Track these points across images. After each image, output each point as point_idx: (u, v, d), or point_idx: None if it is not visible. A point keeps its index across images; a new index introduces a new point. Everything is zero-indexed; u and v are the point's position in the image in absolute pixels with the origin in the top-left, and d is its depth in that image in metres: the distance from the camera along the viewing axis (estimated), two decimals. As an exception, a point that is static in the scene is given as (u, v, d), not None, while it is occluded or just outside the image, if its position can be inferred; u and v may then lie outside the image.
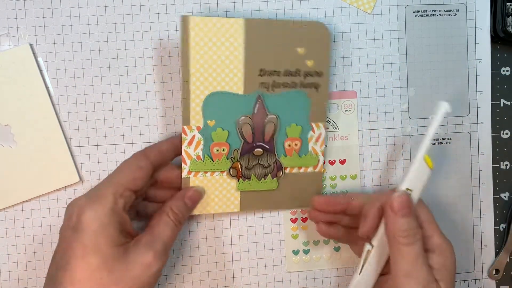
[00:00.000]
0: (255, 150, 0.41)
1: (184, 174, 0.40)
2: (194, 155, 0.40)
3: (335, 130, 0.44)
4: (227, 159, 0.41)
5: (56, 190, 0.42)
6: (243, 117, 0.40)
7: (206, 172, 0.40)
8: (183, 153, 0.40)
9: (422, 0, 0.44)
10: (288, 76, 0.40)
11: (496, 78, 0.46)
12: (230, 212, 0.43)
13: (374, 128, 0.45)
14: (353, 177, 0.44)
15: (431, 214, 0.38)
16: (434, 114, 0.37)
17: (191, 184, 0.40)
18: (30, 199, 0.42)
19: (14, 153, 0.41)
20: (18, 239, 0.42)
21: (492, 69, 0.46)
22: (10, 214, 0.42)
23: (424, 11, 0.44)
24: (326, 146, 0.43)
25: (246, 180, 0.41)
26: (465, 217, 0.46)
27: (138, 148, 0.42)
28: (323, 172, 0.43)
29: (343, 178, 0.44)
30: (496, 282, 0.47)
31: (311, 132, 0.42)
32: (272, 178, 0.41)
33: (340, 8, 0.44)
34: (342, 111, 0.44)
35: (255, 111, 0.40)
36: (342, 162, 0.44)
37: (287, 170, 0.42)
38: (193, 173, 0.40)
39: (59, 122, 0.41)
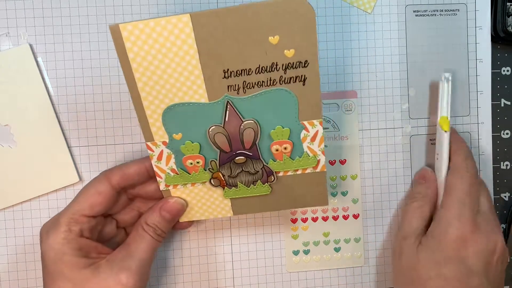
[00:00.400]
0: (236, 158, 0.36)
1: (162, 187, 0.37)
2: (167, 169, 0.36)
3: (335, 130, 0.44)
4: (205, 170, 0.36)
5: (56, 190, 0.42)
6: (213, 127, 0.35)
7: (185, 184, 0.37)
8: (154, 168, 0.36)
9: (422, 0, 0.44)
10: (262, 73, 0.33)
11: (496, 78, 0.46)
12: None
13: (374, 128, 0.44)
14: (354, 177, 0.44)
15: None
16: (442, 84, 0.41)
17: (173, 195, 0.38)
18: (30, 199, 0.41)
19: (13, 153, 0.41)
20: (17, 239, 0.42)
21: (492, 69, 0.46)
22: (10, 214, 0.42)
23: (425, 11, 0.44)
24: (326, 146, 0.41)
25: (233, 188, 0.37)
26: (465, 217, 0.46)
27: (138, 148, 0.42)
28: (325, 171, 0.37)
29: (343, 178, 0.44)
30: (496, 282, 0.47)
31: (304, 132, 0.35)
32: (263, 184, 0.37)
33: (340, 8, 0.43)
34: (342, 111, 0.44)
35: (227, 119, 0.35)
36: (343, 162, 0.44)
37: (281, 174, 0.37)
38: (171, 186, 0.37)
39: (59, 122, 0.41)
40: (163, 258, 0.43)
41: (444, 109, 0.42)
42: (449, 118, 0.41)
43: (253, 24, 0.32)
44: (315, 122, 0.35)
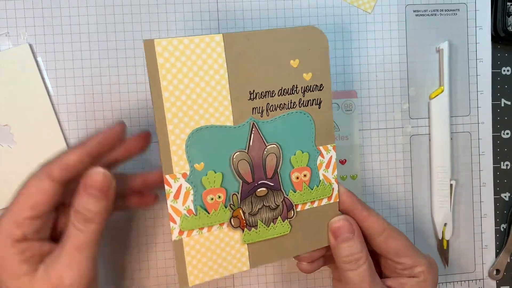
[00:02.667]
0: (258, 190, 0.34)
1: (174, 236, 0.33)
2: (184, 209, 0.33)
3: (336, 130, 0.44)
4: (225, 207, 0.34)
5: (56, 190, 0.41)
6: (237, 153, 0.33)
7: (202, 228, 0.33)
8: (169, 209, 0.33)
9: (422, 0, 0.44)
10: (284, 95, 0.34)
11: (496, 78, 0.46)
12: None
13: (374, 128, 0.44)
14: (354, 177, 0.44)
15: (409, 241, 0.37)
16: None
17: (185, 249, 0.33)
18: (30, 199, 0.41)
19: (13, 153, 0.41)
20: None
21: (492, 69, 0.46)
22: (10, 214, 0.41)
23: (425, 11, 0.44)
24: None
25: (252, 229, 0.35)
26: (465, 217, 0.46)
27: (137, 148, 0.42)
28: (338, 202, 0.36)
29: (343, 178, 0.44)
30: (496, 282, 0.47)
31: (320, 158, 0.35)
32: (283, 221, 0.35)
33: (340, 8, 0.43)
34: (342, 111, 0.44)
35: (251, 143, 0.34)
36: (343, 162, 0.44)
37: (299, 208, 0.35)
38: (185, 233, 0.33)
39: (59, 122, 0.41)
40: (162, 259, 0.43)
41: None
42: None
43: (277, 47, 0.33)
44: (329, 147, 0.36)
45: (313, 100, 0.35)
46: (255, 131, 0.34)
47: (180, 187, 0.33)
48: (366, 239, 0.36)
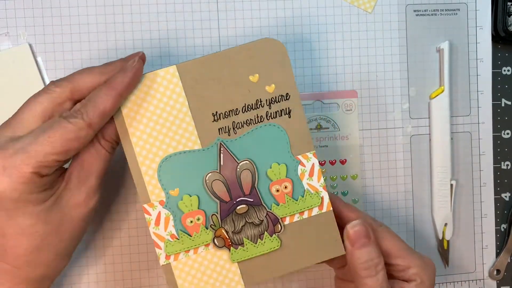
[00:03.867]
0: (238, 208, 0.34)
1: (162, 261, 0.34)
2: (167, 235, 0.34)
3: (336, 130, 0.44)
4: (207, 228, 0.34)
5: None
6: (209, 174, 0.34)
7: (187, 251, 0.34)
8: (153, 236, 0.34)
9: (422, -1, 0.44)
10: (249, 111, 0.34)
11: (497, 78, 0.46)
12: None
13: (374, 128, 0.44)
14: (354, 177, 0.44)
15: (402, 242, 0.36)
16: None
17: (175, 273, 0.34)
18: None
19: (13, 153, 0.40)
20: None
21: (493, 69, 0.45)
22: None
23: (425, 11, 0.44)
24: (325, 179, 0.37)
25: (239, 247, 0.34)
26: (465, 217, 0.46)
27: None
28: (332, 211, 0.35)
29: (343, 178, 0.44)
30: (497, 282, 0.46)
31: (300, 167, 0.35)
32: (271, 236, 0.34)
33: (340, 8, 0.43)
34: (342, 111, 0.44)
35: (222, 163, 0.34)
36: (343, 162, 0.44)
37: (286, 221, 0.35)
38: (172, 257, 0.34)
39: (59, 122, 0.41)
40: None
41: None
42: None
43: (233, 67, 0.34)
44: (309, 154, 0.35)
45: (281, 111, 0.35)
46: (224, 150, 0.34)
47: (159, 214, 0.34)
48: None
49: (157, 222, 0.34)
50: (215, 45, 0.42)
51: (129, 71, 0.32)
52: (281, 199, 0.35)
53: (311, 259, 0.35)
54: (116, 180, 0.42)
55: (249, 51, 0.34)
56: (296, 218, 0.35)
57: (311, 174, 0.35)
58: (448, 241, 0.45)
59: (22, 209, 0.31)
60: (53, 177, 0.33)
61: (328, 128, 0.44)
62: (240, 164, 0.34)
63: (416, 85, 0.45)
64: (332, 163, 0.44)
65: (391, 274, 0.36)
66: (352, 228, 0.34)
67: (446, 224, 0.45)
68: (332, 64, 0.43)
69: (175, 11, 0.42)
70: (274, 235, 0.35)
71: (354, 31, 0.44)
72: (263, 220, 0.35)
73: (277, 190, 0.35)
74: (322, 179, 0.35)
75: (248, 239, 0.34)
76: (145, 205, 0.34)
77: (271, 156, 0.35)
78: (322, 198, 0.35)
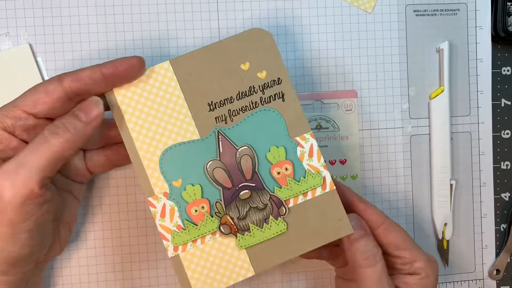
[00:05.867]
0: (241, 193, 0.35)
1: (170, 253, 0.34)
2: (173, 226, 0.34)
3: (336, 130, 0.44)
4: (212, 216, 0.35)
5: (56, 190, 0.41)
6: (210, 162, 0.35)
7: (194, 241, 0.35)
8: (159, 229, 0.34)
9: (422, -1, 0.44)
10: (243, 98, 0.35)
11: (496, 78, 0.46)
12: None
13: (374, 128, 0.44)
14: (354, 177, 0.44)
15: (409, 236, 0.37)
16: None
17: (184, 264, 0.34)
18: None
19: (13, 153, 0.40)
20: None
21: (492, 69, 0.46)
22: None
23: (425, 11, 0.44)
24: (325, 161, 0.36)
25: (246, 233, 0.35)
26: (465, 217, 0.46)
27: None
28: (335, 190, 0.35)
29: (343, 178, 0.44)
30: (496, 282, 0.47)
31: (299, 149, 0.35)
32: (276, 219, 0.35)
33: (340, 8, 0.43)
34: (342, 111, 0.44)
35: (221, 150, 0.35)
36: (343, 162, 0.44)
37: (291, 203, 0.35)
38: (180, 248, 0.34)
39: (59, 122, 0.41)
40: (161, 259, 0.43)
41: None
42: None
43: (225, 57, 0.35)
44: (306, 135, 0.35)
45: (275, 95, 0.35)
46: (222, 138, 0.35)
47: (164, 206, 0.35)
48: None
49: (163, 214, 0.35)
50: (215, 45, 0.42)
51: (119, 59, 0.33)
52: (283, 181, 0.35)
53: (319, 241, 0.35)
54: (115, 180, 0.42)
55: (238, 41, 0.35)
56: (300, 199, 0.35)
57: (310, 155, 0.35)
58: (448, 241, 0.45)
59: None
60: (12, 141, 0.32)
61: (328, 128, 0.44)
62: (239, 150, 0.35)
63: (416, 85, 0.45)
64: (332, 163, 0.44)
65: (395, 267, 0.36)
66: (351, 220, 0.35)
67: (446, 224, 0.45)
68: (332, 64, 0.43)
69: (175, 11, 0.42)
70: (279, 218, 0.35)
71: (354, 31, 0.44)
72: (267, 204, 0.35)
73: (278, 173, 0.35)
74: (322, 159, 0.35)
75: (254, 224, 0.35)
76: (150, 198, 0.35)
77: (269, 139, 0.35)
78: (324, 178, 0.35)
